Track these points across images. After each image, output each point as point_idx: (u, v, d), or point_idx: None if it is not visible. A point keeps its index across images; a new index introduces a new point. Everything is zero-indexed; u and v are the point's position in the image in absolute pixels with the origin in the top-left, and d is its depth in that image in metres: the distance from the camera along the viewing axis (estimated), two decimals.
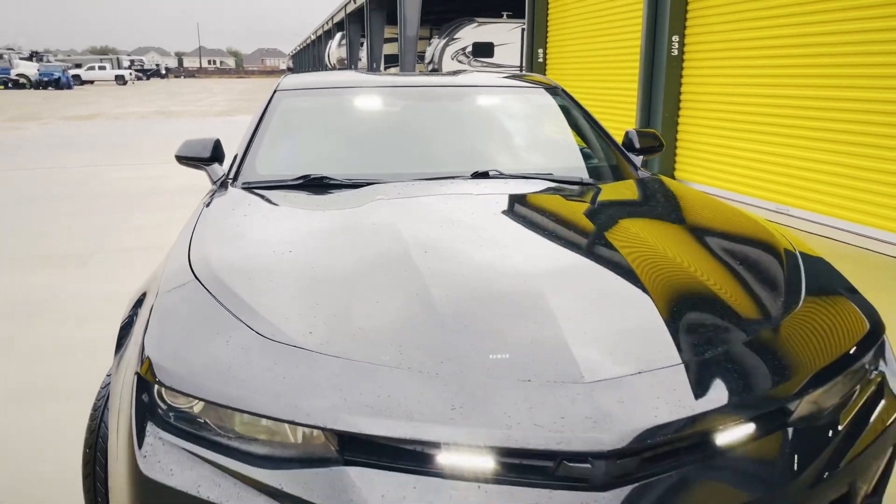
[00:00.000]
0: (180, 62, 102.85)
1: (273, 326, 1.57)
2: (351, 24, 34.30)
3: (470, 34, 25.02)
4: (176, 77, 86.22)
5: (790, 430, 1.52)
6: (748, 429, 1.47)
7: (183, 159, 2.90)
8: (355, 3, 31.40)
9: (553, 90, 3.39)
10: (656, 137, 3.33)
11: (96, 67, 55.00)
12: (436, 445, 1.33)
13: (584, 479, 1.32)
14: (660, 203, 2.52)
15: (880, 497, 1.85)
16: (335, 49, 39.45)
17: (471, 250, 1.94)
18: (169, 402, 1.49)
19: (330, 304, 1.66)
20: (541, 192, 2.50)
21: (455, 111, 3.18)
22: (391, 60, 30.54)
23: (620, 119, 10.03)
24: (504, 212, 2.27)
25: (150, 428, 1.48)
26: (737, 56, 7.46)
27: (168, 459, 1.42)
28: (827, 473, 1.52)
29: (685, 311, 1.72)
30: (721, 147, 7.78)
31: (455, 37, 25.33)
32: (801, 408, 1.56)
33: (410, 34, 22.24)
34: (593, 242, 2.05)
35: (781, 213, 6.79)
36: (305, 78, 3.34)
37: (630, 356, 1.51)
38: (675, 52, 8.37)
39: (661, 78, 8.51)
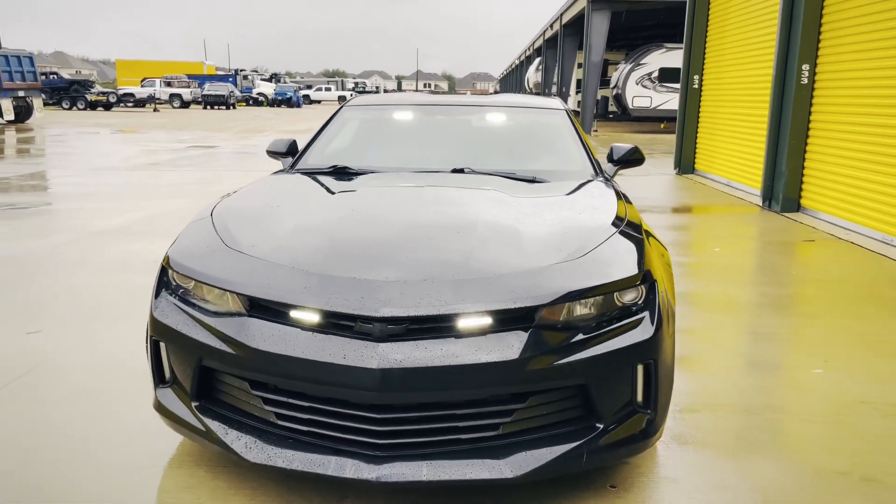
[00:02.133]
0: (399, 85, 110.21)
1: (236, 242, 2.62)
2: (548, 50, 35.52)
3: (657, 59, 25.11)
4: None
5: (532, 329, 2.28)
6: (490, 323, 2.26)
7: (270, 153, 4.11)
8: (552, 29, 32.57)
9: (557, 112, 4.18)
10: (636, 151, 3.99)
11: (323, 88, 61.47)
12: (291, 307, 2.30)
13: (369, 334, 2.22)
14: (565, 194, 3.28)
15: (655, 411, 2.50)
16: (532, 73, 40.88)
17: (397, 207, 2.87)
18: (175, 280, 2.60)
19: (279, 232, 2.67)
20: (486, 184, 3.33)
21: (469, 125, 4.11)
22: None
23: (753, 146, 10.10)
24: (444, 193, 3.16)
25: (163, 293, 2.61)
26: (871, 85, 7.43)
27: (168, 310, 2.53)
28: (553, 364, 2.26)
29: (487, 248, 2.50)
30: (853, 179, 7.71)
31: (641, 62, 25.51)
32: (545, 317, 2.31)
33: (595, 59, 22.86)
34: (474, 210, 2.87)
35: None
36: (371, 98, 4.44)
37: (424, 269, 2.36)
38: (805, 81, 8.44)
39: (789, 106, 8.61)
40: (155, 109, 39.54)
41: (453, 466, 2.26)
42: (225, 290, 2.40)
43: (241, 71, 57.18)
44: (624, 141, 20.31)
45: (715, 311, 4.83)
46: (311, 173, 3.65)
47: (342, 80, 67.15)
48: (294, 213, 2.87)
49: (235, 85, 50.51)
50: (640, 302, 2.48)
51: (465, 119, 4.15)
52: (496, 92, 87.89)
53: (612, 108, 29.49)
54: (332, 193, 3.15)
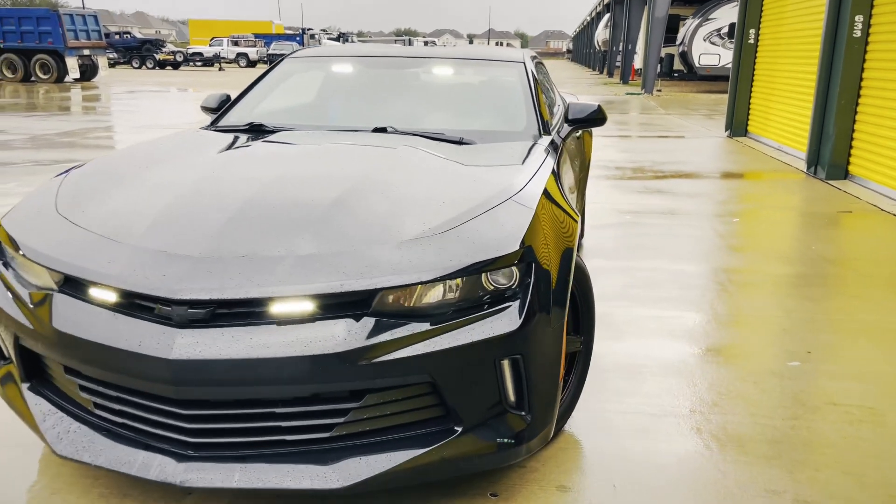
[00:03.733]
0: (470, 43, 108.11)
1: (71, 208, 2.35)
2: (616, 6, 34.01)
3: (727, 14, 23.60)
4: None
5: (365, 317, 1.94)
6: (313, 309, 1.94)
7: (203, 108, 3.83)
8: None
9: (514, 66, 3.73)
10: (596, 111, 3.51)
11: None
12: (92, 284, 2.03)
13: (170, 318, 1.93)
14: (478, 156, 2.87)
15: (531, 413, 2.14)
16: (601, 30, 39.35)
17: (266, 172, 2.53)
18: (4, 246, 2.37)
19: (124, 197, 2.40)
20: (397, 146, 2.95)
21: (413, 80, 3.71)
22: None
23: (805, 106, 9.25)
24: (336, 156, 2.80)
25: None
26: None
27: None
28: (390, 357, 1.92)
29: (337, 220, 2.15)
30: None
31: (710, 17, 24.06)
32: (385, 302, 1.97)
33: (659, 14, 21.69)
34: (352, 176, 2.50)
35: None
36: (321, 49, 4.09)
37: (247, 243, 2.04)
38: (858, 34, 7.59)
39: (839, 61, 7.78)
40: (220, 69, 40.06)
41: (272, 472, 1.97)
42: (34, 261, 2.15)
43: (309, 30, 57.23)
44: (688, 102, 19.26)
45: (705, 291, 4.34)
46: (224, 130, 3.36)
47: (409, 39, 66.44)
48: (156, 175, 2.58)
49: (302, 44, 50.63)
50: (514, 286, 2.11)
51: (411, 73, 3.75)
52: (568, 51, 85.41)
53: (678, 66, 28.01)
54: (215, 155, 2.82)
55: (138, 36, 47.40)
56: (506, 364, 2.08)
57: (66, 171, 2.73)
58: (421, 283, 1.98)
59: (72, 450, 2.08)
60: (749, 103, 11.92)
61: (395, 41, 64.85)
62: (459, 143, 3.09)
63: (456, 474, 2.13)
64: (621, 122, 14.30)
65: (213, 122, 3.56)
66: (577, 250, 2.53)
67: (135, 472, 1.99)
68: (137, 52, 39.23)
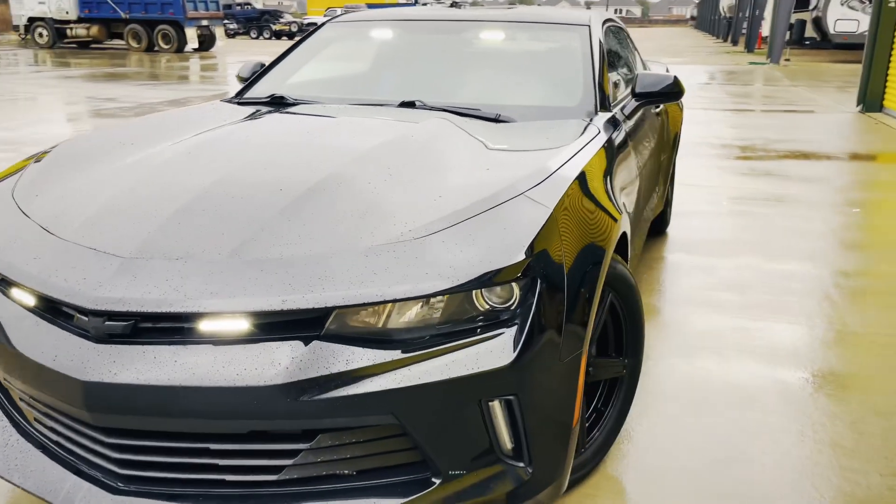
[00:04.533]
0: (587, 8, 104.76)
1: (26, 190, 2.09)
2: None
3: None
4: None
5: (316, 341, 1.57)
6: (251, 329, 1.57)
7: (238, 78, 3.53)
8: None
9: (576, 30, 3.18)
10: (672, 84, 2.93)
11: None
12: (13, 283, 1.75)
13: (87, 330, 1.62)
14: (507, 139, 2.40)
15: (528, 462, 1.72)
16: None
17: (249, 153, 2.16)
18: None
19: (86, 179, 2.10)
20: (420, 123, 2.54)
21: (460, 47, 3.24)
22: None
23: None
24: (347, 132, 2.41)
25: None
26: None
27: None
28: (344, 393, 1.54)
29: (299, 217, 1.76)
30: None
31: None
32: (344, 323, 1.58)
33: None
34: (344, 161, 2.10)
35: None
36: (365, 13, 3.68)
37: (189, 242, 1.69)
38: None
39: None
40: None
41: None
42: None
43: None
44: (820, 73, 17.51)
45: (806, 298, 3.68)
46: (245, 102, 3.05)
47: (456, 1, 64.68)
48: (129, 156, 2.29)
49: None
50: (512, 306, 1.66)
51: (457, 39, 3.29)
52: (692, 18, 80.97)
53: (810, 33, 25.67)
54: (201, 133, 2.48)
55: (258, 7, 48.74)
56: (496, 406, 1.65)
57: (53, 148, 2.49)
58: (384, 301, 1.57)
59: (3, 466, 1.83)
60: (887, 74, 10.57)
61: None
62: (495, 120, 2.64)
63: None
64: (738, 95, 13.13)
65: (239, 93, 3.25)
66: (635, 247, 2.03)
67: (59, 501, 1.71)
68: (256, 22, 40.32)
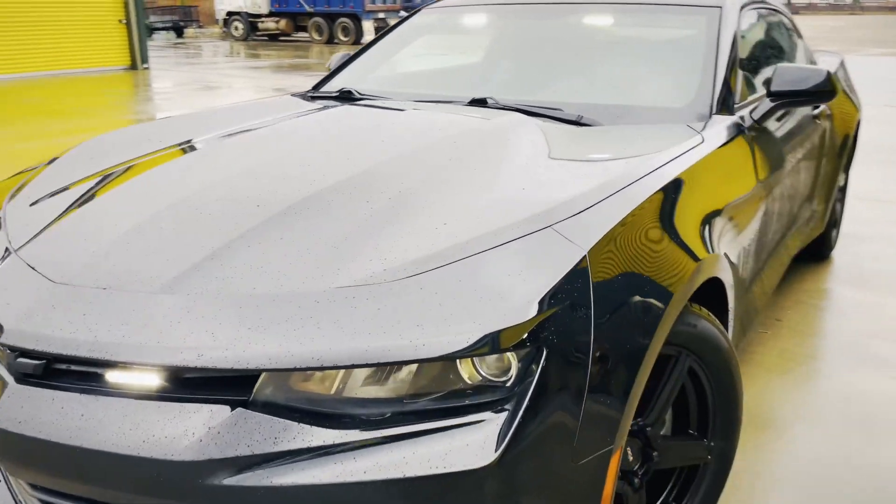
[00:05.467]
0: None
1: (17, 201, 1.89)
2: None
3: None
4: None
5: (241, 408, 1.22)
6: (165, 384, 1.25)
7: (327, 69, 3.27)
8: None
9: (706, 12, 2.55)
10: (824, 81, 2.26)
11: None
12: None
13: (9, 367, 1.37)
14: (578, 149, 1.92)
15: None
16: None
17: (247, 166, 1.83)
18: None
19: (71, 192, 1.85)
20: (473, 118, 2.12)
21: (559, 34, 2.73)
22: None
23: None
24: (386, 135, 2.03)
25: None
26: None
27: None
28: (266, 483, 1.18)
29: (260, 242, 1.44)
30: None
31: None
32: (282, 387, 1.22)
33: None
34: (364, 172, 1.72)
35: None
36: None
37: (121, 272, 1.39)
38: None
39: None
40: None
41: None
42: None
43: None
44: None
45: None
46: (316, 97, 2.76)
47: None
48: (138, 156, 2.05)
49: None
50: (509, 383, 1.22)
51: (557, 25, 2.78)
52: None
53: None
54: (229, 132, 2.19)
55: None
56: None
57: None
58: (321, 367, 1.19)
59: None
60: None
61: None
62: (576, 122, 2.15)
63: None
64: None
65: (315, 86, 2.99)
66: (760, 287, 1.52)
67: None
68: None
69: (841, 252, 4.09)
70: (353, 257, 1.36)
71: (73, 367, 1.32)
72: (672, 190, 1.67)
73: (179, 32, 33.54)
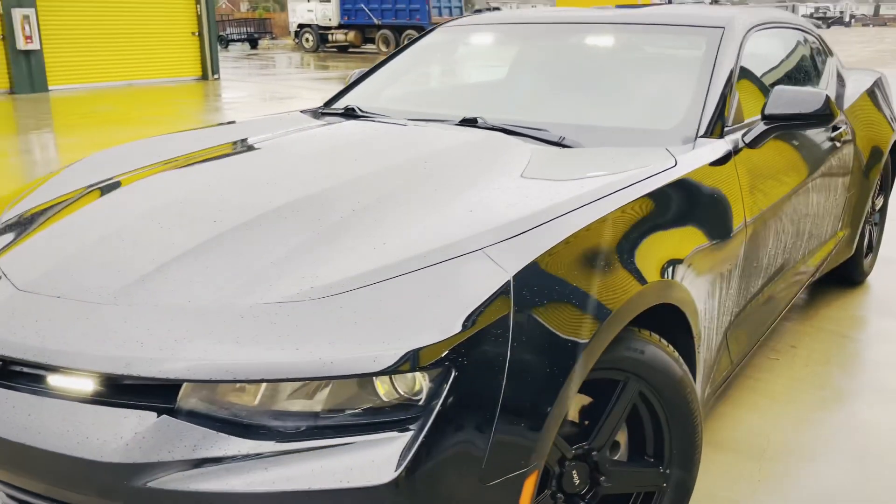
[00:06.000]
0: (876, 10, 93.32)
1: (21, 204, 2.05)
2: None
3: None
4: (864, 26, 78.79)
5: (165, 415, 1.29)
6: (101, 390, 1.33)
7: (344, 83, 3.36)
8: None
9: (707, 33, 2.51)
10: (821, 103, 2.20)
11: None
12: None
13: None
14: (548, 171, 1.93)
15: None
16: None
17: (212, 180, 1.94)
18: None
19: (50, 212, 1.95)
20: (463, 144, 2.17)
21: (561, 54, 2.72)
22: None
23: None
24: (359, 153, 2.09)
25: None
26: None
27: None
28: (183, 488, 1.25)
29: (207, 256, 1.51)
30: None
31: None
32: (205, 397, 1.29)
33: None
34: (326, 188, 1.77)
35: None
36: (479, 17, 3.30)
37: (78, 279, 1.49)
38: None
39: None
40: None
41: None
42: None
43: None
44: None
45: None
46: (324, 113, 2.85)
47: (793, 6, 59.02)
48: (135, 169, 2.17)
49: None
50: (421, 402, 1.26)
51: (561, 46, 2.77)
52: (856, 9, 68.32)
53: None
54: (216, 149, 2.29)
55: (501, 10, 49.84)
56: None
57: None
58: (235, 380, 1.25)
59: None
60: None
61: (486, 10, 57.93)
62: (558, 144, 2.16)
63: None
64: None
65: (327, 103, 3.08)
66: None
67: None
68: None
69: (877, 278, 3.93)
70: (288, 274, 1.42)
71: (25, 370, 1.42)
72: (624, 213, 1.66)
73: (254, 44, 34.71)
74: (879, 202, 3.94)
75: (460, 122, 2.41)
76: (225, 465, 1.25)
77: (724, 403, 2.65)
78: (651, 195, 1.77)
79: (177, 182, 1.97)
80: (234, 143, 2.34)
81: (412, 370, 1.24)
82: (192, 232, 1.61)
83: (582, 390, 1.67)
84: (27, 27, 13.50)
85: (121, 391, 1.34)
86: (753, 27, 2.67)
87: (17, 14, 13.35)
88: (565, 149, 2.12)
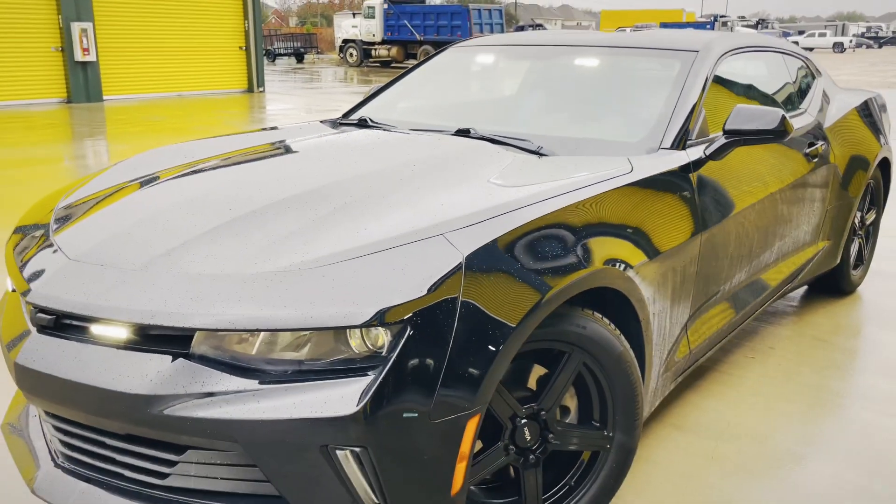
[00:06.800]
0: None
1: (68, 197, 2.42)
2: None
3: None
4: None
5: (181, 358, 1.61)
6: (133, 338, 1.67)
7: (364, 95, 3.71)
8: None
9: (682, 56, 2.77)
10: (778, 120, 2.44)
11: (816, 34, 54.19)
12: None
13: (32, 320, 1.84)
14: (515, 174, 2.23)
15: None
16: None
17: (235, 178, 2.29)
18: None
19: (100, 201, 2.32)
20: (450, 151, 2.47)
21: (550, 73, 3.02)
22: None
23: None
24: (350, 160, 2.40)
25: None
26: None
27: None
28: (195, 415, 1.57)
29: (218, 238, 1.84)
30: None
31: None
32: (213, 345, 1.62)
33: None
34: (319, 185, 2.10)
35: None
36: (487, 39, 3.62)
37: (115, 251, 1.84)
38: None
39: None
40: None
41: (109, 501, 1.78)
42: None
43: (723, 17, 53.93)
44: None
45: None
46: (342, 123, 3.20)
47: (843, 25, 58.23)
48: (171, 167, 2.53)
49: None
50: (383, 353, 1.57)
51: (551, 65, 3.08)
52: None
53: None
54: (244, 149, 2.66)
55: (546, 27, 50.08)
56: (346, 456, 1.56)
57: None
58: (236, 329, 1.57)
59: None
60: None
61: (825, 27, 57.32)
62: (535, 152, 2.46)
63: None
64: None
65: (345, 114, 3.43)
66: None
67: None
68: None
69: (870, 291, 4.10)
70: (284, 250, 1.74)
71: (74, 322, 1.77)
72: (577, 208, 1.95)
73: (300, 58, 35.67)
74: (871, 217, 4.12)
75: (455, 132, 2.73)
76: (225, 398, 1.57)
77: (695, 393, 2.90)
78: (603, 195, 2.06)
79: (202, 179, 2.32)
80: (256, 147, 2.69)
81: (378, 326, 1.55)
82: (211, 217, 1.95)
83: (538, 361, 1.98)
84: (84, 40, 14.30)
85: (147, 339, 1.67)
86: (728, 51, 2.94)
87: (76, 27, 14.16)
88: (542, 157, 2.42)
